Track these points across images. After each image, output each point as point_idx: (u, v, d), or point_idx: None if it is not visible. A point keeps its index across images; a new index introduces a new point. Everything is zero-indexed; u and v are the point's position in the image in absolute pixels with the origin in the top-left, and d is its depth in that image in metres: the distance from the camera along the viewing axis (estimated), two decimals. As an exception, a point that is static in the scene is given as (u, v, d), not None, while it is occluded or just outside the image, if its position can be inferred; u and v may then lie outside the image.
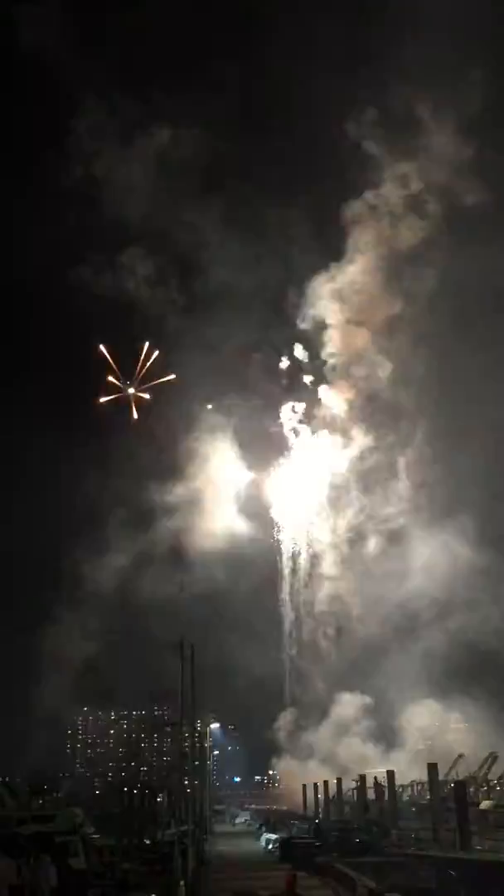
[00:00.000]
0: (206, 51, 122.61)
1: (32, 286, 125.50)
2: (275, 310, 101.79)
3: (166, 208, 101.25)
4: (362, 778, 63.70)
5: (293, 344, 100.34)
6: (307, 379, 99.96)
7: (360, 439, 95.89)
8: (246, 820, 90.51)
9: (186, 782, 45.00)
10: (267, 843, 54.83)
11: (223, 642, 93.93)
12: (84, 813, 42.20)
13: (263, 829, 67.04)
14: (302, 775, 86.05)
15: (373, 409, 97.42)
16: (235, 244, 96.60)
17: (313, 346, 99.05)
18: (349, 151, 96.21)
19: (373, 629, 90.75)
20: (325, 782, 72.93)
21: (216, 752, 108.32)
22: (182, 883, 26.77)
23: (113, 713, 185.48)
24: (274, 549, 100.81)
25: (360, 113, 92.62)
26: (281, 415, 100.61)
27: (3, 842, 10.78)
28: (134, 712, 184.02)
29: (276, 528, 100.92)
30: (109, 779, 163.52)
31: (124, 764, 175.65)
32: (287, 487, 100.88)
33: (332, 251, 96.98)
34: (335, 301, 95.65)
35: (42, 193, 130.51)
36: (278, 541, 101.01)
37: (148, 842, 47.83)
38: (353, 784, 67.12)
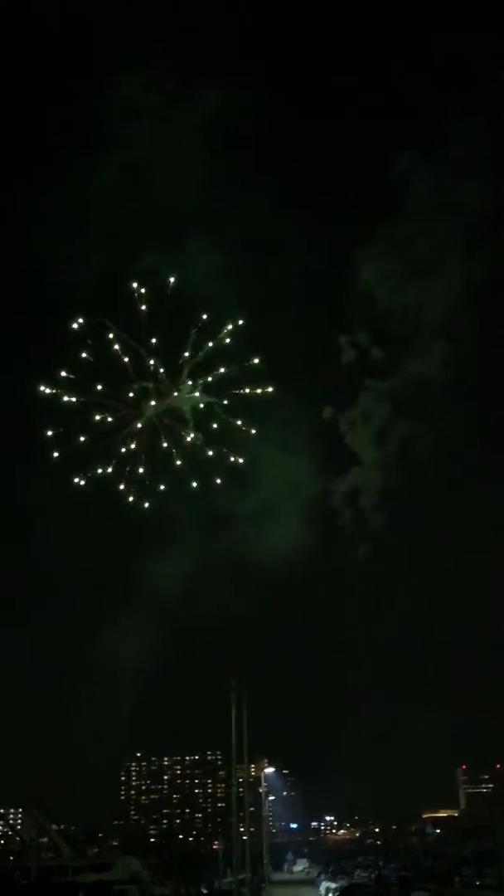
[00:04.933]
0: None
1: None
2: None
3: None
4: (422, 821, 62.11)
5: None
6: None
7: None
8: (304, 868, 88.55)
9: (242, 829, 44.28)
10: (327, 893, 53.44)
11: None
12: (140, 861, 41.81)
13: (323, 876, 65.43)
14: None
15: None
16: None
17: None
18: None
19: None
20: (384, 827, 71.30)
21: (272, 798, 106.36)
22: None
23: (166, 758, 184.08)
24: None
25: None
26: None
27: (62, 891, 10.64)
28: (187, 757, 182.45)
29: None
30: (164, 825, 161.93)
31: (178, 811, 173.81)
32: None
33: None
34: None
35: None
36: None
37: (205, 891, 47.08)
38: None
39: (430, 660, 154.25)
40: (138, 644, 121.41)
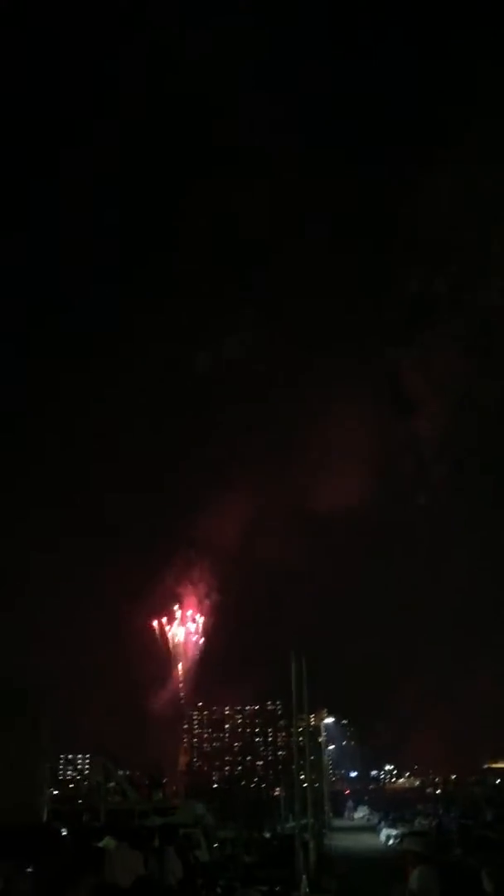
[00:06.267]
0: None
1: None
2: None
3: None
4: (483, 772, 62.30)
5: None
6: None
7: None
8: (364, 815, 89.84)
9: (303, 777, 45.04)
10: (387, 839, 54.11)
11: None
12: (204, 805, 42.80)
13: (382, 824, 66.21)
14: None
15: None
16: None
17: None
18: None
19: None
20: (444, 778, 71.76)
21: (331, 747, 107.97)
22: (304, 876, 26.73)
23: (227, 708, 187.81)
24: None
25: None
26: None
27: (129, 834, 10.96)
28: (248, 707, 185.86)
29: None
30: (226, 772, 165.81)
31: (239, 758, 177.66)
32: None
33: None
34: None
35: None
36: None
37: (268, 835, 48.07)
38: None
39: (494, 614, 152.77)
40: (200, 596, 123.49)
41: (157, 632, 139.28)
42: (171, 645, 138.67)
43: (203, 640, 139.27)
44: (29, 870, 8.87)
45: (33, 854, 9.32)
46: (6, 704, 17.28)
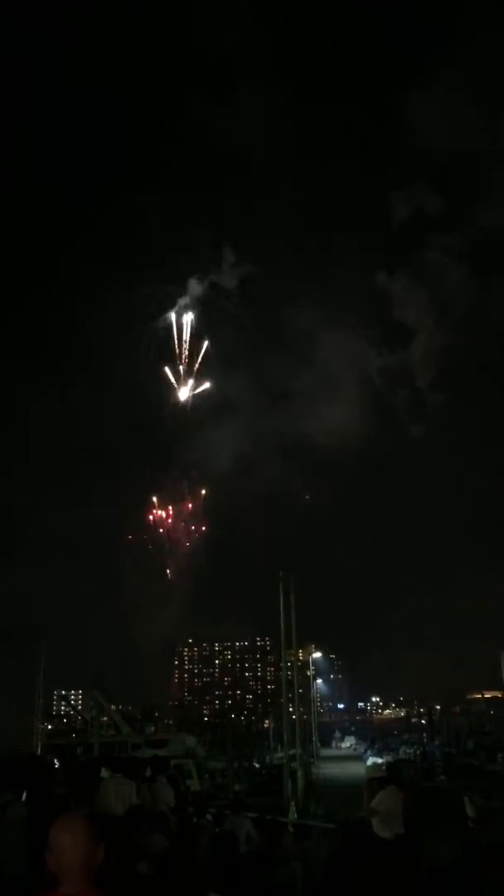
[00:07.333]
0: None
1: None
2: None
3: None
4: (467, 702, 63.95)
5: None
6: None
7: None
8: (351, 744, 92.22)
9: (291, 709, 46.15)
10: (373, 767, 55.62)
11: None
12: (195, 738, 43.81)
13: (368, 752, 67.99)
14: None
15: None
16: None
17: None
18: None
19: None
20: (430, 708, 73.63)
21: (319, 681, 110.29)
22: (293, 803, 27.62)
23: (217, 644, 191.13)
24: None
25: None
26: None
27: (122, 765, 11.28)
28: (237, 643, 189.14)
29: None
30: (217, 706, 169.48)
31: (229, 692, 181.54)
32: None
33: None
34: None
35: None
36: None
37: (257, 764, 49.44)
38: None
39: (487, 545, 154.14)
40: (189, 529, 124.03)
41: (151, 522, 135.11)
42: (165, 532, 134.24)
43: (197, 532, 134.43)
44: (23, 799, 9.09)
45: (28, 784, 9.55)
46: (19, 641, 17.57)
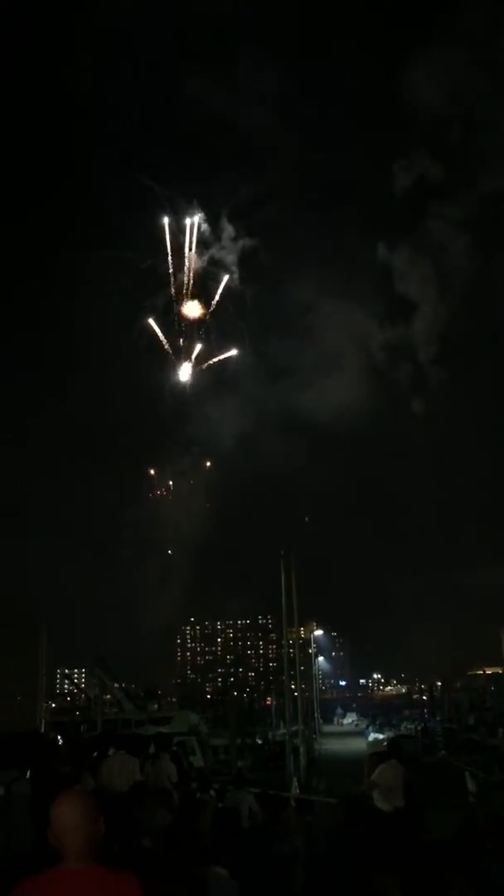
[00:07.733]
0: None
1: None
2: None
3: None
4: (468, 678, 64.31)
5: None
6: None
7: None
8: (353, 721, 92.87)
9: (293, 686, 46.49)
10: (374, 742, 55.99)
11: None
12: (198, 715, 44.14)
13: (370, 728, 68.47)
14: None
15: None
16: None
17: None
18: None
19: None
20: (431, 685, 74.09)
21: (321, 658, 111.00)
22: (295, 779, 27.92)
23: (219, 623, 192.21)
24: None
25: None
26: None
27: (126, 742, 11.39)
28: (240, 621, 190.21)
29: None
30: (219, 683, 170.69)
31: (232, 670, 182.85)
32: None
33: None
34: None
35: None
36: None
37: (260, 741, 49.83)
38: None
39: (488, 522, 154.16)
40: (190, 508, 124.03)
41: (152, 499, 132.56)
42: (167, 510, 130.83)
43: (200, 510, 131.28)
44: (28, 776, 9.20)
45: (33, 761, 9.66)
46: (19, 626, 17.73)
